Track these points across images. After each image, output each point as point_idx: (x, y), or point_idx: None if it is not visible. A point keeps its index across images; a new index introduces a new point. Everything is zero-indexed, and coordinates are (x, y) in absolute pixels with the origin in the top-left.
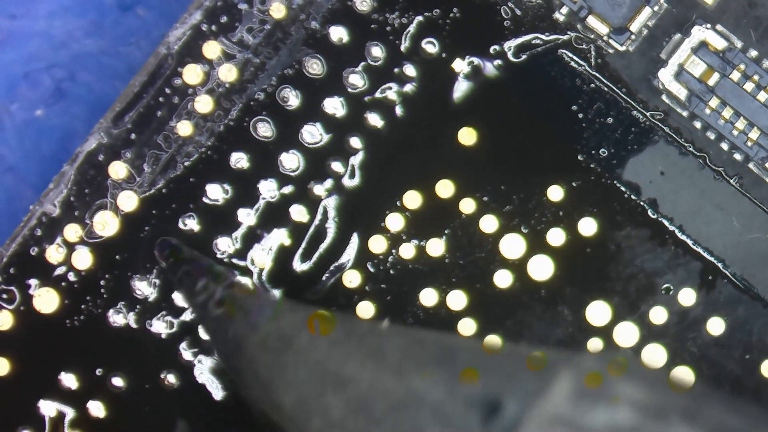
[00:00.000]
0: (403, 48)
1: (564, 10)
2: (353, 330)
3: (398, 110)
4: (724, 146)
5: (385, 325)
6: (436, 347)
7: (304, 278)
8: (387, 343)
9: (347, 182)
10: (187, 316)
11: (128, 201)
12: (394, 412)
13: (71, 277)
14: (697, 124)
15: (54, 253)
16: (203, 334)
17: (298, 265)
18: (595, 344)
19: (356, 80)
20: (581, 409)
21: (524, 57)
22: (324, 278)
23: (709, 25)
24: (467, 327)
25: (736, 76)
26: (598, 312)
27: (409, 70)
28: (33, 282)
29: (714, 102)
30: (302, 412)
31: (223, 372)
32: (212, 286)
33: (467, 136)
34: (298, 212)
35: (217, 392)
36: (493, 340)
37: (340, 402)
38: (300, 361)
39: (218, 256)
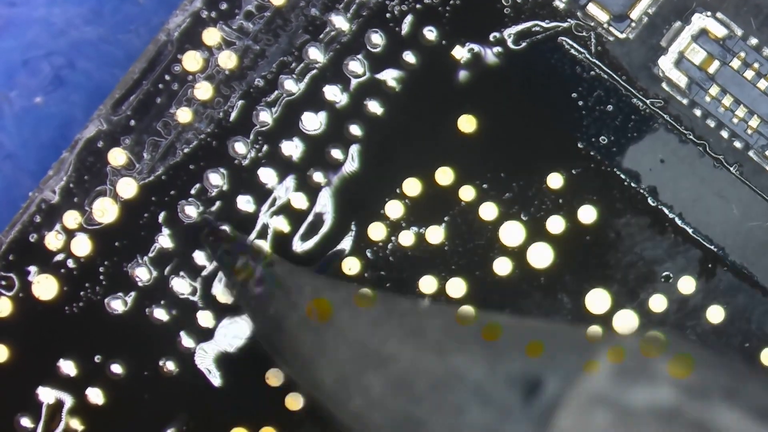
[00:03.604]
0: (403, 35)
1: None
2: (394, 308)
3: (398, 98)
4: (724, 134)
5: (425, 304)
6: (477, 326)
7: (303, 265)
8: (427, 321)
9: (347, 169)
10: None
11: (127, 188)
12: (435, 391)
13: (70, 263)
14: (697, 112)
15: (53, 240)
16: (246, 316)
17: (297, 252)
18: (594, 332)
19: (356, 67)
20: (621, 388)
21: (524, 44)
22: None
23: (709, 13)
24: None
25: (736, 63)
26: (597, 300)
27: (409, 57)
28: (32, 269)
29: (714, 90)
30: (343, 390)
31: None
32: (252, 264)
33: (467, 124)
34: (298, 199)
35: (216, 379)
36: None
37: (380, 380)
38: (340, 340)
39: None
